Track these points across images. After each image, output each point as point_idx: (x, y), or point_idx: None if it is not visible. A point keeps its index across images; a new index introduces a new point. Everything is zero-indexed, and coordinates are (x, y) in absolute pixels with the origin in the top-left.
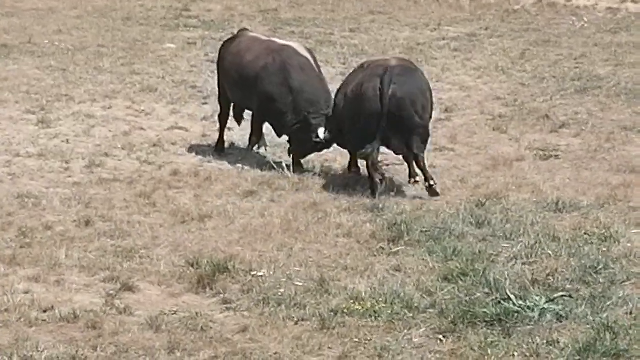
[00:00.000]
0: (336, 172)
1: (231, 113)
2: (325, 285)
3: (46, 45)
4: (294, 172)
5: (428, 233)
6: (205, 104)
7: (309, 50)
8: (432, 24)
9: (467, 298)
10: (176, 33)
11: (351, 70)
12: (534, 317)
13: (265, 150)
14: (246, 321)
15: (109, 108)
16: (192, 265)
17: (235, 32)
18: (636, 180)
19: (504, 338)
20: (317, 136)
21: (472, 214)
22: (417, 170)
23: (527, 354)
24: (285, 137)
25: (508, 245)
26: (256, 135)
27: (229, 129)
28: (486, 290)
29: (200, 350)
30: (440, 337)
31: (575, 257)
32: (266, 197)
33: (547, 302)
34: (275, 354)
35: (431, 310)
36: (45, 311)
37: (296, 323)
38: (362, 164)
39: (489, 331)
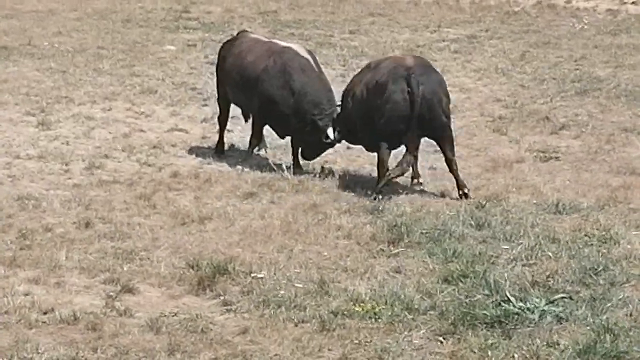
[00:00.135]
0: (336, 174)
1: (231, 114)
2: (325, 287)
3: (46, 47)
4: (293, 173)
5: (428, 235)
6: (205, 105)
7: (309, 52)
8: (432, 25)
9: (467, 300)
10: (176, 35)
11: (353, 71)
12: (534, 319)
13: (266, 152)
14: (246, 323)
15: (108, 110)
16: (192, 267)
17: (235, 34)
18: (636, 181)
19: (504, 340)
20: (327, 137)
21: (472, 215)
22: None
23: (527, 356)
24: (285, 138)
25: (508, 247)
26: (256, 138)
27: (229, 130)
28: (486, 292)
29: (200, 352)
30: (441, 338)
31: (575, 258)
32: (266, 198)
33: (547, 303)
34: (275, 355)
35: (431, 312)
36: (45, 313)
37: (296, 325)
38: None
39: (489, 333)
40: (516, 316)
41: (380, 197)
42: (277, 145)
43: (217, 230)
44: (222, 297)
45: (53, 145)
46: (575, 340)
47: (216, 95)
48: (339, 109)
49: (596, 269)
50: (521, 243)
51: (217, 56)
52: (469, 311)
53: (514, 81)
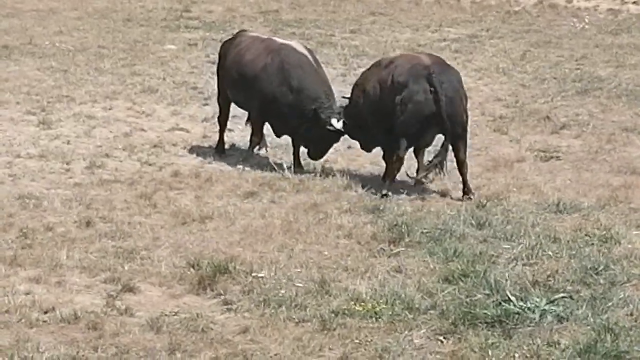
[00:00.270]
0: (337, 173)
1: (232, 113)
2: (325, 286)
3: (47, 46)
4: (294, 173)
5: (429, 234)
6: (206, 105)
7: (307, 48)
8: (433, 25)
9: (468, 299)
10: (177, 34)
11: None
12: (534, 319)
13: (266, 151)
14: (247, 322)
15: (109, 109)
16: (193, 267)
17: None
18: (637, 181)
19: (505, 339)
20: (332, 125)
21: (472, 215)
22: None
23: (528, 355)
24: (285, 139)
25: (509, 246)
26: (257, 136)
27: (230, 130)
28: (487, 291)
29: (200, 351)
30: (441, 338)
31: (576, 258)
32: (267, 198)
33: (547, 303)
34: (275, 355)
35: (432, 312)
36: (46, 312)
37: (297, 324)
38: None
39: (489, 332)
40: (517, 316)
41: (390, 194)
42: (278, 145)
43: (217, 229)
44: (222, 297)
45: (54, 144)
46: (576, 340)
47: (217, 94)
48: (345, 101)
49: (597, 269)
50: (522, 242)
51: (217, 55)
52: (470, 311)
53: (515, 81)
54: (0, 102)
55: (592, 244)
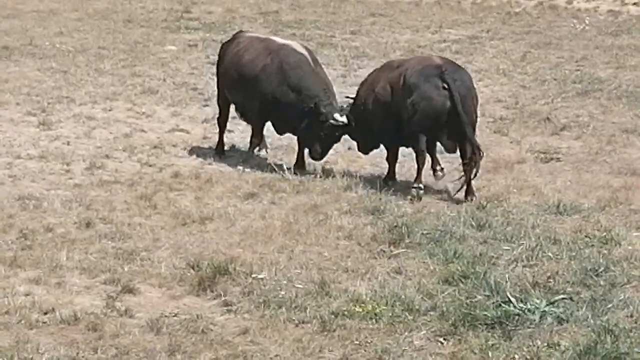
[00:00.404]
0: (337, 174)
1: (232, 114)
2: (325, 288)
3: (47, 47)
4: (295, 173)
5: (429, 235)
6: (206, 106)
7: (306, 48)
8: (433, 26)
9: (468, 301)
10: (177, 35)
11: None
12: (534, 320)
13: (266, 152)
14: (247, 323)
15: (109, 110)
16: (193, 268)
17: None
18: (637, 182)
19: (505, 341)
20: (334, 119)
21: (472, 216)
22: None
23: (528, 357)
24: (285, 139)
25: (509, 247)
26: (257, 137)
27: (230, 131)
28: (487, 292)
29: (200, 352)
30: (441, 339)
31: (576, 259)
32: (267, 199)
33: (547, 304)
34: (275, 356)
35: (432, 313)
36: (45, 313)
37: (297, 325)
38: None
39: (489, 334)
40: (517, 317)
41: (423, 188)
42: (278, 146)
43: (217, 230)
44: (222, 298)
45: (54, 145)
46: (576, 341)
47: (216, 95)
48: (348, 101)
49: (597, 270)
50: (522, 244)
51: (217, 57)
52: (470, 312)
53: (515, 82)
54: (0, 103)
55: (593, 245)
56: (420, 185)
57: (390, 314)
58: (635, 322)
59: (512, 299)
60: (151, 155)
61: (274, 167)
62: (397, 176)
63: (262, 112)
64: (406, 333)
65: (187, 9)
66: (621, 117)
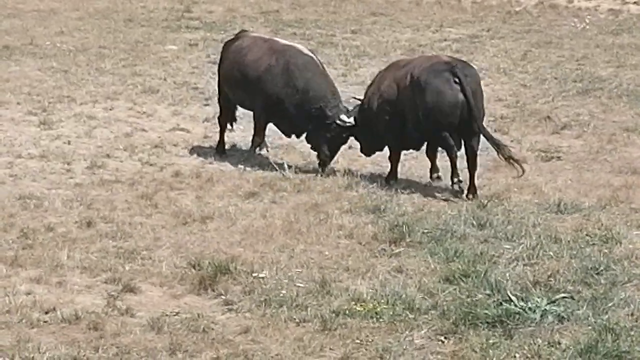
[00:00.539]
0: (337, 174)
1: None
2: (326, 287)
3: (48, 47)
4: (322, 171)
5: (430, 234)
6: (207, 105)
7: (311, 50)
8: (433, 25)
9: (469, 299)
10: (178, 34)
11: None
12: (535, 319)
13: (267, 151)
14: (248, 322)
15: (110, 109)
16: (194, 267)
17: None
18: (638, 181)
19: (506, 339)
20: (342, 120)
21: (473, 215)
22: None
23: (529, 355)
24: (287, 138)
25: (509, 246)
26: (259, 137)
27: (230, 130)
28: (487, 291)
29: (201, 351)
30: (442, 338)
31: (577, 258)
32: (268, 198)
33: (548, 303)
34: (276, 355)
35: (433, 312)
36: (47, 312)
37: (298, 324)
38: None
39: (490, 332)
40: (517, 316)
41: (462, 181)
42: (279, 145)
43: (218, 229)
44: (223, 297)
45: (55, 144)
46: (577, 340)
47: (217, 94)
48: (354, 102)
49: (598, 269)
50: (523, 243)
51: (219, 56)
52: (471, 311)
53: (516, 81)
54: (1, 103)
55: (593, 244)
56: (460, 179)
57: (391, 313)
58: (636, 321)
59: (513, 298)
60: (152, 154)
61: (275, 166)
62: (398, 175)
63: (266, 113)
64: (407, 332)
65: (188, 8)
66: (622, 116)
